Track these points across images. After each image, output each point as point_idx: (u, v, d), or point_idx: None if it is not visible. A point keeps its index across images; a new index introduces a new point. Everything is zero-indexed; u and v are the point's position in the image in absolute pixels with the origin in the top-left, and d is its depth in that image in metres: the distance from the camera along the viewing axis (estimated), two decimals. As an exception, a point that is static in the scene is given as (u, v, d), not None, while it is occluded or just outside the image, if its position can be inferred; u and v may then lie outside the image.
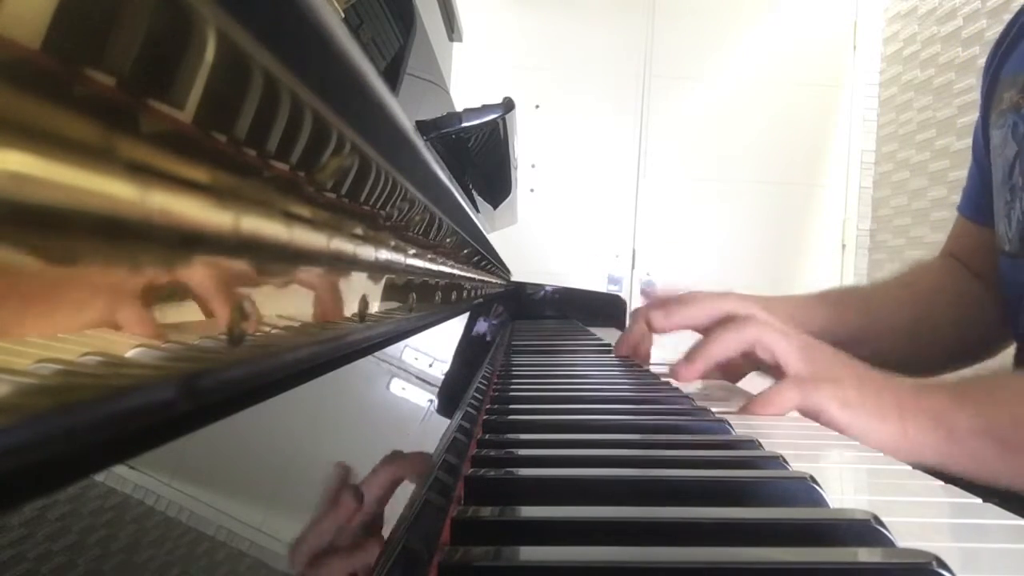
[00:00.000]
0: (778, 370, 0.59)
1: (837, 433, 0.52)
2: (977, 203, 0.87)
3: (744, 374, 0.73)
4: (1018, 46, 0.78)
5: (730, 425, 0.46)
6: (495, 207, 1.26)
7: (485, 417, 0.46)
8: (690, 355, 0.60)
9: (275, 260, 0.20)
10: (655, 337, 0.79)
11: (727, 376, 0.73)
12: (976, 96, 0.88)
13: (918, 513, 0.34)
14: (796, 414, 0.59)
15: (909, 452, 0.51)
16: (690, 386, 0.66)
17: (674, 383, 0.64)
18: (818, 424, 0.55)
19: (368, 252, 0.30)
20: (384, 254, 0.33)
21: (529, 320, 1.57)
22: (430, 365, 0.48)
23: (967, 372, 0.82)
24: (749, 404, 0.56)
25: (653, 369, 0.73)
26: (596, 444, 0.42)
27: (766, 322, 0.60)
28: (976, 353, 0.87)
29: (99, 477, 0.13)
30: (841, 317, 0.81)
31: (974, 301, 0.86)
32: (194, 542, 0.15)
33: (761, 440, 0.41)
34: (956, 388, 0.55)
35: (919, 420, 0.52)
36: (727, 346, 0.59)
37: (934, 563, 0.23)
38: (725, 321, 0.61)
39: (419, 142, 0.32)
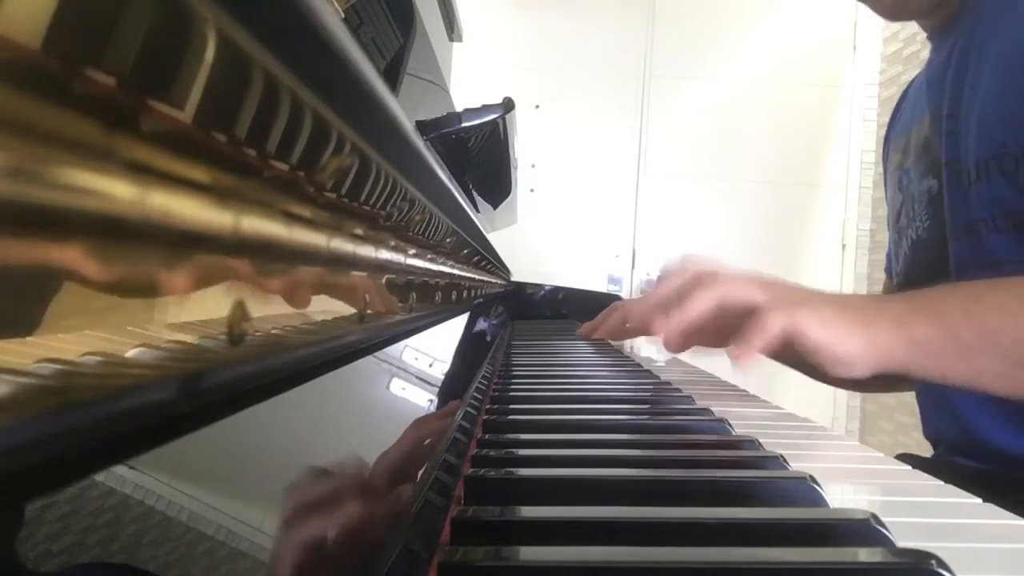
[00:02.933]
0: (744, 316, 0.60)
1: (837, 432, 0.52)
2: (892, 264, 1.02)
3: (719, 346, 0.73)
4: (895, 125, 0.95)
5: (730, 425, 0.46)
6: (495, 207, 1.26)
7: (485, 417, 0.46)
8: (666, 313, 0.63)
9: (275, 260, 0.20)
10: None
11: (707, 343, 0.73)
12: None
13: (918, 513, 0.34)
14: (792, 413, 0.59)
15: (878, 358, 0.56)
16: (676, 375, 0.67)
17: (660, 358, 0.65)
18: (816, 421, 0.55)
19: (368, 252, 0.30)
20: (384, 254, 0.33)
21: (529, 320, 1.57)
22: (430, 365, 0.48)
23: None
24: (741, 337, 0.57)
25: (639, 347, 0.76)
26: (596, 444, 0.42)
27: (729, 275, 0.63)
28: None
29: (99, 477, 0.13)
30: None
31: None
32: (194, 542, 0.15)
33: (761, 439, 0.41)
34: (910, 298, 0.60)
35: (883, 328, 0.57)
36: (703, 305, 0.61)
37: (934, 563, 0.23)
38: (694, 280, 0.63)
39: (419, 142, 0.32)
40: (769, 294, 0.60)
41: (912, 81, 0.97)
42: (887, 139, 1.00)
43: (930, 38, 0.88)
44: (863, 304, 0.59)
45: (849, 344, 0.56)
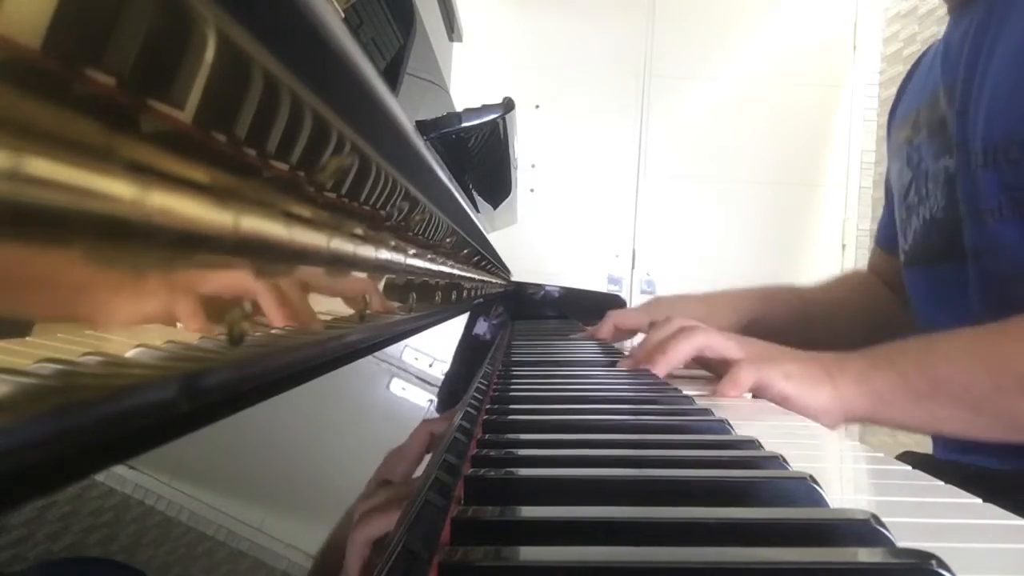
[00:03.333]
0: (721, 364, 0.70)
1: (836, 433, 0.52)
2: (887, 234, 1.04)
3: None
4: (903, 98, 0.98)
5: (730, 425, 0.46)
6: (495, 207, 1.26)
7: (485, 417, 0.46)
8: (651, 359, 0.72)
9: (275, 260, 0.20)
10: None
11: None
12: None
13: (918, 513, 0.34)
14: (793, 413, 0.59)
15: (843, 409, 0.62)
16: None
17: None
18: (817, 424, 0.55)
19: (368, 252, 0.30)
20: (384, 254, 0.33)
21: (529, 320, 1.57)
22: (430, 365, 0.48)
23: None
24: (717, 388, 0.66)
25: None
26: (596, 444, 0.42)
27: (708, 329, 0.73)
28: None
29: (99, 477, 0.13)
30: (772, 310, 1.02)
31: (884, 306, 1.06)
32: (194, 542, 0.15)
33: (761, 439, 0.41)
34: (871, 354, 0.66)
35: (846, 382, 0.63)
36: (683, 353, 0.72)
37: (934, 563, 0.23)
38: (678, 332, 0.74)
39: (419, 142, 0.32)
40: (745, 350, 0.69)
41: (922, 55, 0.95)
42: (893, 112, 0.99)
43: (950, 11, 0.87)
44: (828, 361, 0.65)
45: (816, 398, 0.62)
